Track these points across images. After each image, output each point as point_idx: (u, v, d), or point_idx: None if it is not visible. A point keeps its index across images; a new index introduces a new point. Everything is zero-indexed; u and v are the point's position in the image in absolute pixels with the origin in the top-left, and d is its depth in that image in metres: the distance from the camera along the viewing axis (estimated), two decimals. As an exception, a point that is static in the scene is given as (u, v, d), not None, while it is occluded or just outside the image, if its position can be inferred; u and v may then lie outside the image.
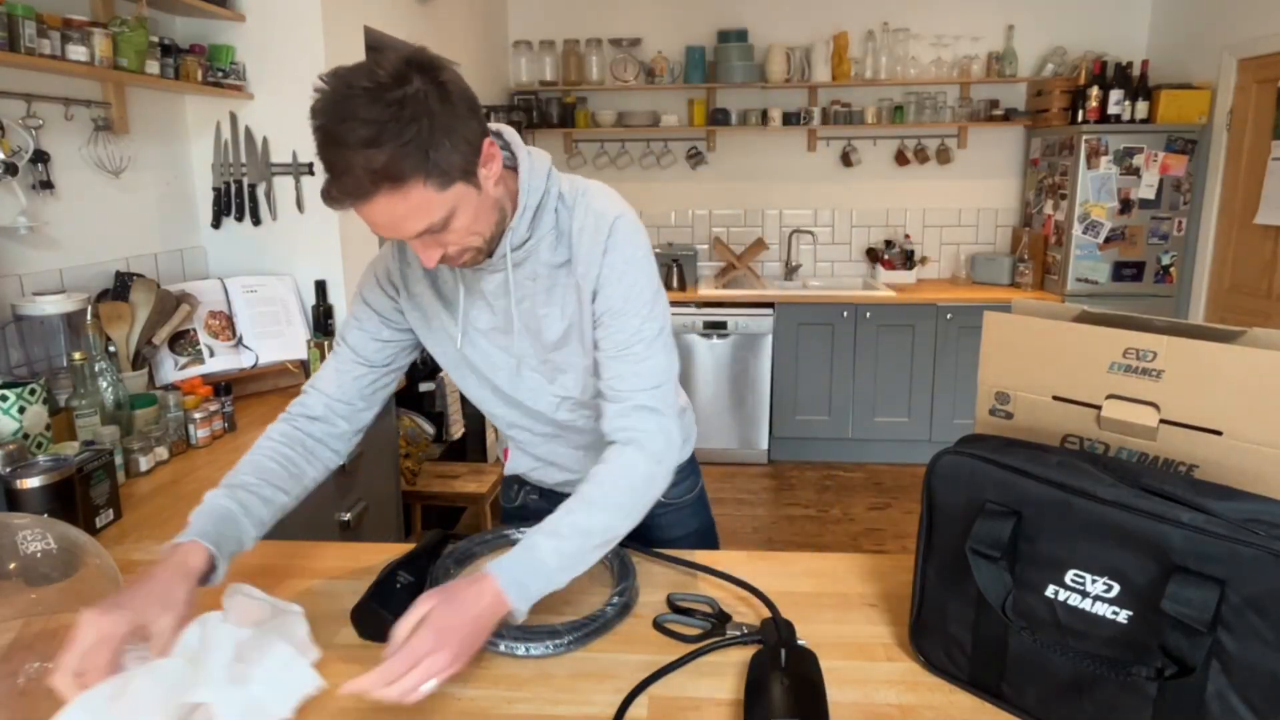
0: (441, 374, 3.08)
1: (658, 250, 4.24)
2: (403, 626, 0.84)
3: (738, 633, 0.99)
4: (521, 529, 1.16)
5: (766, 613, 1.03)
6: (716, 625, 1.01)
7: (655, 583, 1.13)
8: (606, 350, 1.06)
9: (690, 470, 1.39)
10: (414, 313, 1.15)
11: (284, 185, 2.47)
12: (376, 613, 0.97)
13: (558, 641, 0.96)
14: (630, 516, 1.02)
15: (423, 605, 0.86)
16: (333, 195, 0.89)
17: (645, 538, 1.23)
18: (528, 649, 0.96)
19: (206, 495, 1.01)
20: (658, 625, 1.02)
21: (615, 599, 1.04)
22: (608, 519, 0.99)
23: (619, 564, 1.12)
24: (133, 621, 0.81)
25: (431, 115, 0.85)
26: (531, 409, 1.18)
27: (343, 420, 1.17)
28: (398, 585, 1.01)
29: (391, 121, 0.83)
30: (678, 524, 1.37)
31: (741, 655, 0.96)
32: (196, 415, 1.81)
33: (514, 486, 1.40)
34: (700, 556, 1.18)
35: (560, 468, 1.28)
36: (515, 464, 1.33)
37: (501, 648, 0.96)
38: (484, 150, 0.93)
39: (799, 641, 0.96)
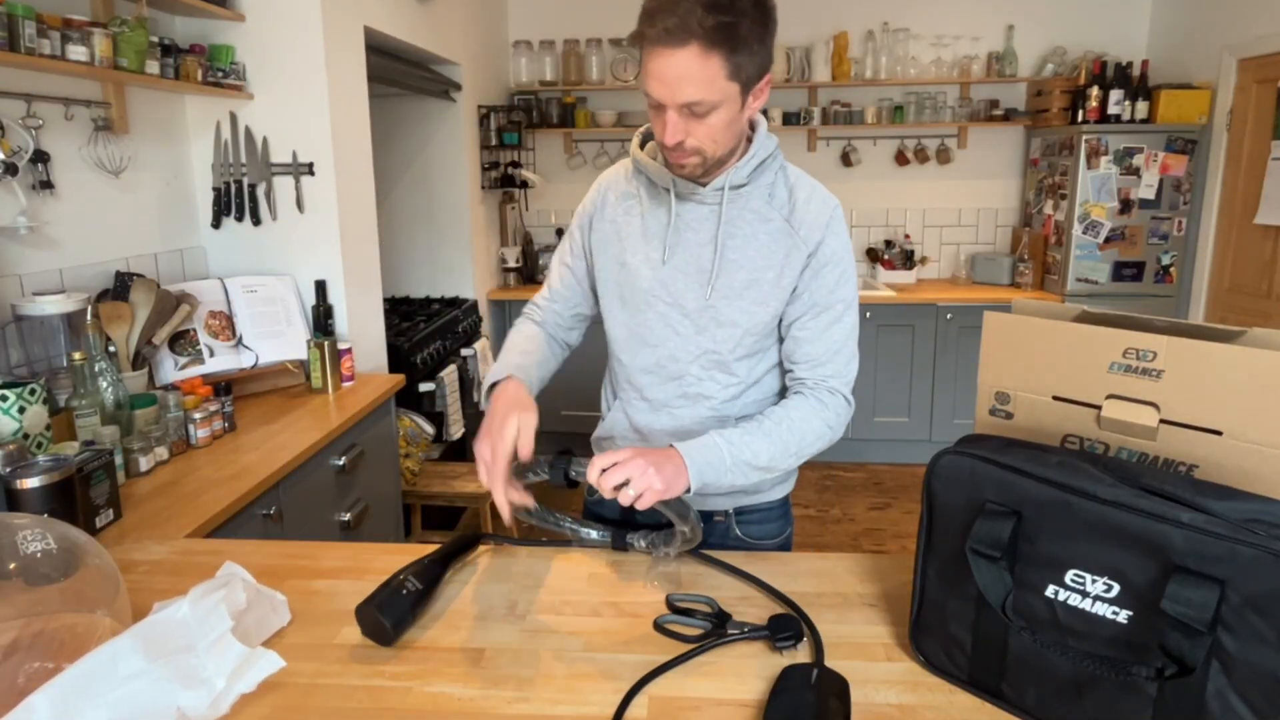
0: (441, 374, 3.08)
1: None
2: (603, 460, 1.02)
3: (737, 631, 0.99)
4: (572, 521, 1.23)
5: (766, 613, 1.03)
6: (717, 625, 1.01)
7: (655, 585, 1.13)
8: (809, 327, 1.19)
9: (782, 513, 1.37)
10: (598, 234, 1.28)
11: (284, 185, 2.47)
12: (375, 617, 0.97)
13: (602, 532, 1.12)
14: (793, 459, 1.16)
15: (620, 454, 1.02)
16: (648, 34, 1.00)
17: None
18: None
19: (503, 357, 1.26)
20: (658, 626, 1.01)
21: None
22: (775, 452, 1.13)
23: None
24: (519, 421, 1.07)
25: (754, 22, 1.00)
26: (669, 354, 1.24)
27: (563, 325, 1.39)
28: (403, 591, 1.01)
29: (730, 4, 0.97)
30: (756, 525, 1.35)
31: (741, 655, 0.96)
32: (196, 415, 1.81)
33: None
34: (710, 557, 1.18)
35: (645, 442, 1.29)
36: (608, 425, 1.35)
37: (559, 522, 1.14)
38: (765, 79, 1.08)
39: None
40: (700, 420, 1.25)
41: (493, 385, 1.20)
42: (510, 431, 1.07)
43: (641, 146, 1.25)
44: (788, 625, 0.98)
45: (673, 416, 1.27)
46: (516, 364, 1.23)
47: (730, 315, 1.19)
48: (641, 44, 1.03)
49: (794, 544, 1.43)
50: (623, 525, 1.25)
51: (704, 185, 1.17)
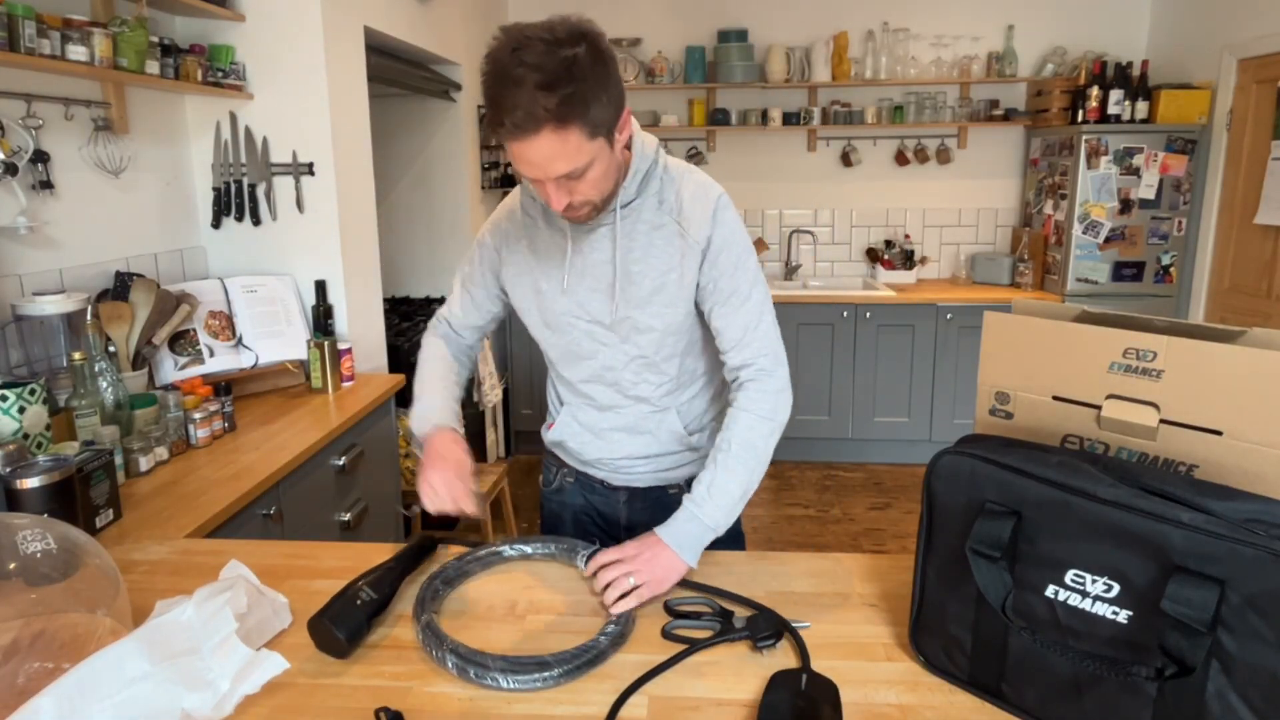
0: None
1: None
2: (602, 559, 1.10)
3: (719, 635, 0.99)
4: (512, 545, 1.22)
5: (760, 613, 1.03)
6: (725, 624, 1.01)
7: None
8: (722, 315, 1.22)
9: None
10: (509, 268, 1.31)
11: (284, 185, 2.47)
12: (328, 630, 0.95)
13: (546, 675, 0.91)
14: (761, 471, 1.20)
15: (613, 554, 1.10)
16: (501, 127, 1.01)
17: None
18: (512, 682, 0.90)
19: (425, 395, 1.33)
20: (666, 635, 1.01)
21: (611, 627, 1.00)
22: (745, 479, 1.18)
23: None
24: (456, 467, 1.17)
25: (593, 76, 1.00)
26: (603, 364, 1.28)
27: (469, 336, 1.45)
28: (358, 602, 0.98)
29: (564, 73, 0.97)
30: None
31: (740, 656, 0.96)
32: (196, 415, 1.81)
33: (553, 469, 1.48)
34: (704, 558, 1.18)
35: (600, 440, 1.36)
36: (561, 430, 1.40)
37: (488, 680, 0.91)
38: (623, 116, 1.09)
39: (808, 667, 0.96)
40: (644, 415, 1.32)
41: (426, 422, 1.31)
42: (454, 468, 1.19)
43: None
44: (767, 624, 0.99)
45: (619, 415, 1.34)
46: (439, 407, 1.32)
47: (646, 321, 1.24)
48: (497, 137, 1.05)
49: (794, 544, 1.45)
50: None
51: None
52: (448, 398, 1.33)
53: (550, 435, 1.43)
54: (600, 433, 1.36)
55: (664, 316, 1.23)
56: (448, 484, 1.15)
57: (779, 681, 0.88)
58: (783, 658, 0.96)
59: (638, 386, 1.30)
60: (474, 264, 1.36)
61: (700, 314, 1.26)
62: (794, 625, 1.01)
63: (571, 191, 1.08)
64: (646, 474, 1.37)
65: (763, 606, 1.05)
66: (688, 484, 1.35)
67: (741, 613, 1.04)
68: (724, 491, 1.16)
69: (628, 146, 1.18)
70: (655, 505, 1.38)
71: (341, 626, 0.95)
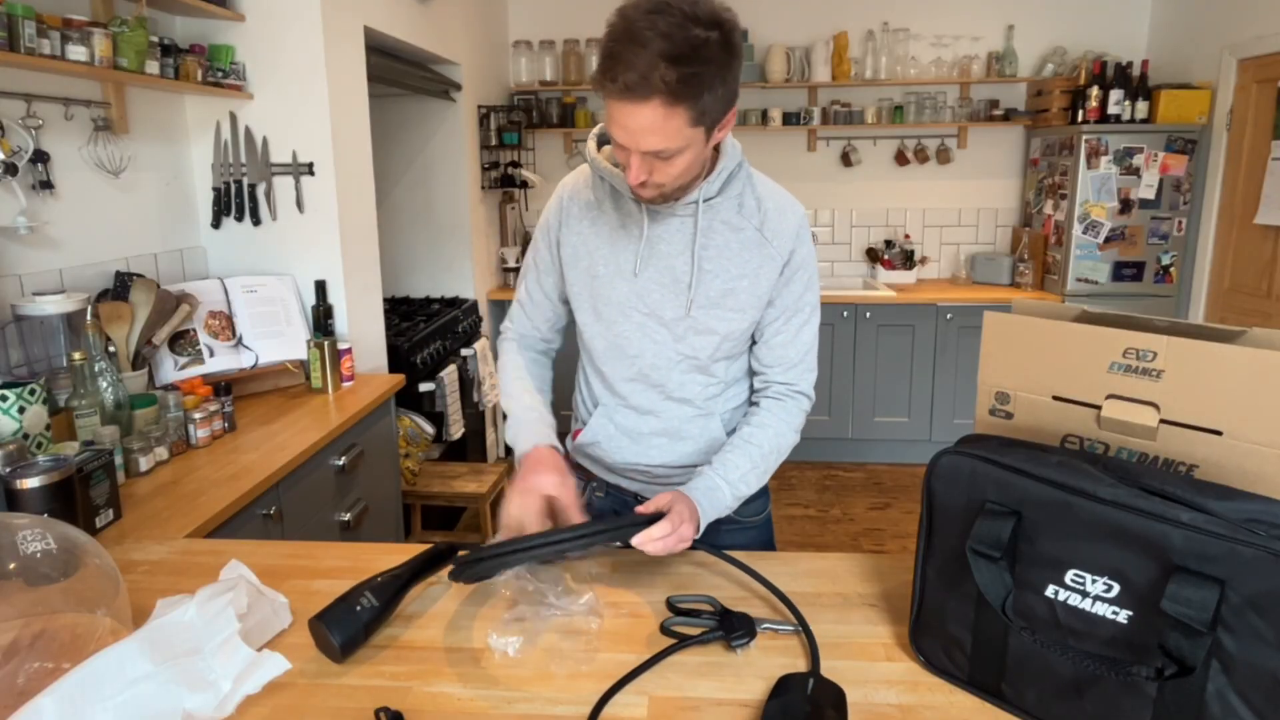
0: (441, 374, 3.08)
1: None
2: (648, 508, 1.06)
3: (696, 636, 0.99)
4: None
5: (769, 610, 1.03)
6: (723, 622, 1.01)
7: (655, 584, 1.13)
8: (782, 331, 1.23)
9: (761, 490, 1.38)
10: (567, 248, 1.27)
11: (284, 185, 2.47)
12: (324, 634, 0.94)
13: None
14: (769, 475, 1.24)
15: (663, 530, 1.02)
16: (612, 84, 0.97)
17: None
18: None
19: (513, 409, 1.28)
20: (665, 630, 1.01)
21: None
22: (760, 476, 1.20)
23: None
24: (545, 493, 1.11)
25: (718, 64, 0.97)
26: (650, 363, 1.25)
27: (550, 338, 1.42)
28: (357, 608, 0.97)
29: (691, 51, 0.94)
30: (743, 544, 1.36)
31: (742, 656, 0.96)
32: (196, 415, 1.81)
33: (581, 482, 1.39)
34: (703, 558, 1.18)
35: (636, 445, 1.31)
36: (594, 432, 1.33)
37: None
38: (730, 113, 1.06)
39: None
40: (686, 419, 1.29)
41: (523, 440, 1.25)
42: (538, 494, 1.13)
43: (599, 146, 1.23)
44: (741, 624, 0.99)
45: (659, 419, 1.29)
46: (534, 421, 1.25)
47: (709, 324, 1.21)
48: (602, 92, 1.00)
49: (794, 544, 1.45)
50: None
51: (676, 200, 1.17)
52: (539, 406, 1.29)
53: (581, 440, 1.36)
54: (638, 437, 1.30)
55: (730, 322, 1.21)
56: (519, 523, 1.10)
57: (786, 685, 0.88)
58: (792, 659, 0.96)
59: (684, 388, 1.26)
60: (534, 255, 1.33)
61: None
62: (794, 627, 1.01)
63: (652, 170, 1.06)
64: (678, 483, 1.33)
65: (790, 602, 1.04)
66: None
67: (757, 612, 1.04)
68: (745, 485, 1.18)
69: (717, 145, 1.16)
70: None
71: (337, 632, 0.94)
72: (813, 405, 1.28)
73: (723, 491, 1.15)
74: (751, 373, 1.31)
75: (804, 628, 1.00)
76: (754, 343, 1.28)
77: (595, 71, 1.01)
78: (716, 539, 1.32)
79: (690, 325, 1.21)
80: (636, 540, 1.01)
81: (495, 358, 1.39)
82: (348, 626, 0.95)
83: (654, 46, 0.93)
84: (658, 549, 1.01)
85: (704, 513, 1.11)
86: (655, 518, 1.02)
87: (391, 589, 1.03)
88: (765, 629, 1.01)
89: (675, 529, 1.02)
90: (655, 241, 1.19)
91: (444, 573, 1.11)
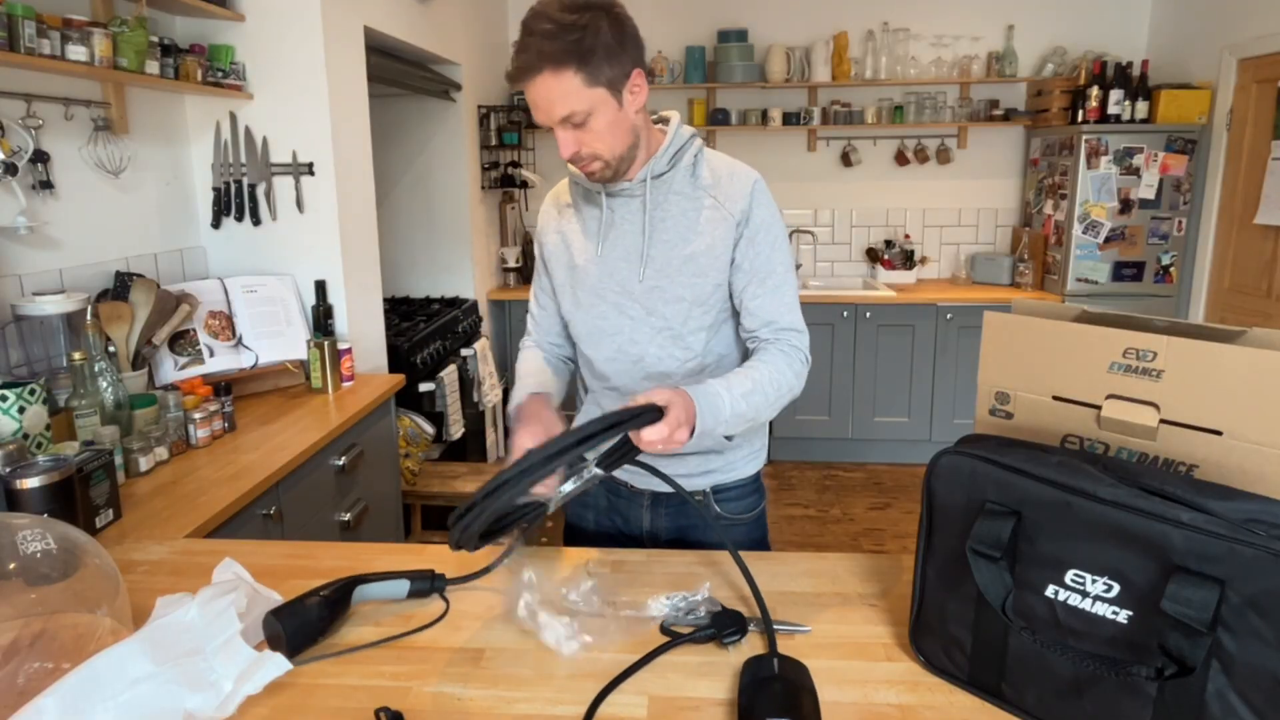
0: (441, 374, 3.08)
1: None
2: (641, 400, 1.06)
3: (683, 633, 0.99)
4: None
5: (758, 612, 1.03)
6: (716, 620, 1.01)
7: (655, 584, 1.13)
8: (758, 294, 1.25)
9: (754, 488, 1.43)
10: (548, 247, 1.37)
11: (284, 185, 2.47)
12: (276, 630, 0.95)
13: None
14: (768, 412, 1.22)
15: (659, 397, 1.05)
16: (512, 78, 1.13)
17: (703, 545, 1.33)
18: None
19: (521, 381, 1.34)
20: (664, 629, 1.01)
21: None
22: (760, 405, 1.19)
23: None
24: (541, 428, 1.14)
25: (598, 33, 1.09)
26: (628, 338, 1.30)
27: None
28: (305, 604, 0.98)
29: (568, 26, 1.08)
30: (735, 540, 1.35)
31: (740, 655, 0.96)
32: (196, 415, 1.81)
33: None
34: (704, 558, 1.18)
35: None
36: (582, 418, 1.40)
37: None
38: (632, 78, 1.15)
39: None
40: None
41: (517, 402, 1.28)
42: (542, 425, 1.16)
43: None
44: (733, 621, 0.99)
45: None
46: (532, 385, 1.32)
47: (675, 291, 1.26)
48: (512, 84, 1.14)
49: (794, 544, 1.45)
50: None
51: (629, 181, 1.25)
52: (542, 379, 1.35)
53: (575, 425, 1.40)
54: None
55: (694, 287, 1.25)
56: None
57: (752, 665, 0.91)
58: (735, 650, 0.98)
59: (663, 361, 1.30)
60: (537, 264, 1.42)
61: (730, 295, 1.28)
62: (794, 628, 1.01)
63: (580, 142, 1.15)
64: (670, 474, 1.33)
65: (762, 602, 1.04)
66: (711, 492, 1.38)
67: (751, 610, 1.04)
68: (746, 404, 1.15)
69: (660, 122, 1.28)
70: (677, 513, 1.39)
71: (287, 627, 0.94)
72: (809, 366, 1.28)
73: (722, 399, 1.13)
74: (744, 352, 1.33)
75: (760, 603, 1.00)
76: (739, 316, 1.30)
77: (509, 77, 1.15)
78: (708, 535, 1.37)
79: (659, 295, 1.26)
80: (635, 438, 1.04)
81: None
82: (302, 624, 0.96)
83: (536, 32, 1.08)
84: (655, 449, 1.04)
85: (701, 417, 1.10)
86: (648, 409, 1.03)
87: (338, 597, 1.02)
88: (779, 630, 1.01)
89: (672, 431, 1.04)
90: (616, 222, 1.28)
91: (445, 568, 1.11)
